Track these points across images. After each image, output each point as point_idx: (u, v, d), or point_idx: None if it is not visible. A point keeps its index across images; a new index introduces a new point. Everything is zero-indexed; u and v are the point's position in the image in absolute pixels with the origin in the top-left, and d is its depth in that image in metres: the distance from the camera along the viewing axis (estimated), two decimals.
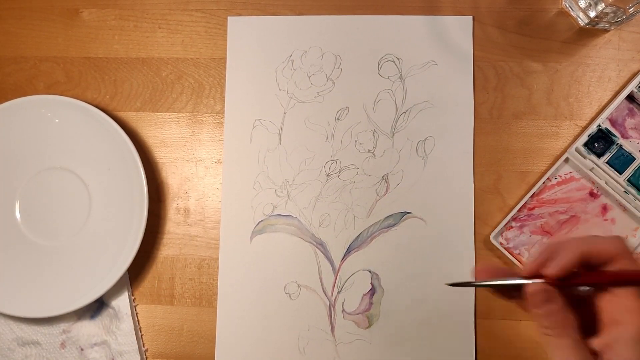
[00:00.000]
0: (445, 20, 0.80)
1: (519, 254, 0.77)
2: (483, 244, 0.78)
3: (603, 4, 0.74)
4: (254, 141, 0.80)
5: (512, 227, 0.77)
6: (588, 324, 0.51)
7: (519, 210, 0.77)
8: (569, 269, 0.49)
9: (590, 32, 0.80)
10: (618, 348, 0.48)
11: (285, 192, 0.79)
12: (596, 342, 0.49)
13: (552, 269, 0.50)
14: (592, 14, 0.76)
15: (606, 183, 0.76)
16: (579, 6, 0.78)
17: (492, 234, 0.77)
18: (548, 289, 0.50)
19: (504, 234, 0.77)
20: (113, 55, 0.83)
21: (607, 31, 0.79)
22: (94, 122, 0.78)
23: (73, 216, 0.81)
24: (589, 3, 0.76)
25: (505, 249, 0.77)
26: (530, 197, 0.77)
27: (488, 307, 0.77)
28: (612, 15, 0.76)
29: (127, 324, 0.79)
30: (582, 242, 0.50)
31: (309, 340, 0.78)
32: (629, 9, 0.73)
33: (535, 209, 0.77)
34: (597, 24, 0.78)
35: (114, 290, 0.79)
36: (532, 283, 0.51)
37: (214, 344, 0.79)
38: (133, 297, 0.80)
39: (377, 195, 0.79)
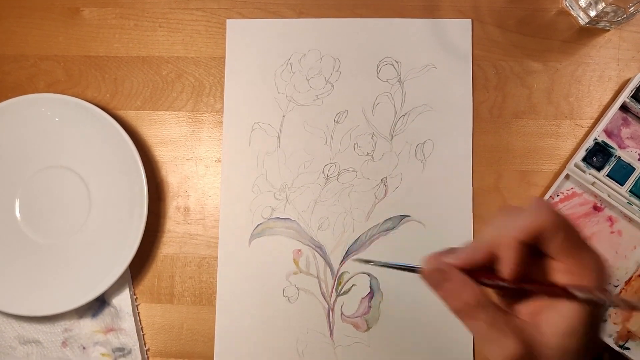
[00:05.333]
0: (444, 23, 0.80)
1: None
2: None
3: (603, 3, 0.74)
4: (253, 144, 0.80)
5: None
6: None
7: None
8: (519, 268, 0.47)
9: (591, 31, 0.80)
10: (557, 307, 0.47)
11: (284, 195, 0.80)
12: (530, 306, 0.48)
13: (506, 274, 0.48)
14: (593, 13, 0.76)
15: (609, 196, 0.76)
16: (579, 5, 0.78)
17: None
18: (442, 268, 0.48)
19: None
20: (113, 53, 0.83)
21: (608, 30, 0.79)
22: (94, 120, 0.78)
23: (73, 215, 0.81)
24: (589, 2, 0.76)
25: None
26: None
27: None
28: (612, 14, 0.75)
29: (129, 323, 0.79)
30: (516, 236, 0.47)
31: (308, 343, 0.78)
32: (629, 8, 0.73)
33: None
34: (598, 23, 0.78)
35: (116, 289, 0.80)
36: (427, 264, 0.49)
37: (214, 342, 0.79)
38: (135, 297, 0.80)
39: (376, 198, 0.79)
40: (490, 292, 0.48)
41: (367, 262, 0.66)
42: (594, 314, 0.47)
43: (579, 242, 0.47)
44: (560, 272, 0.48)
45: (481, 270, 0.48)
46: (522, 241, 0.47)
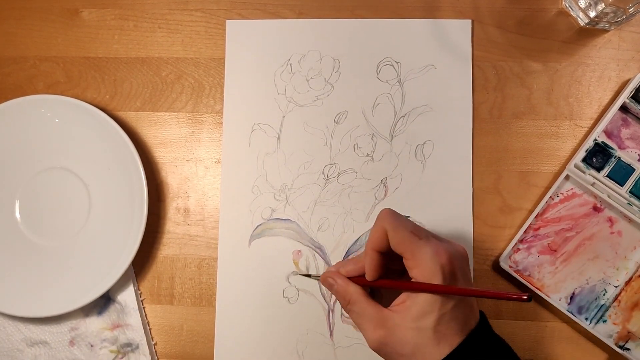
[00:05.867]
0: (445, 23, 0.80)
1: (529, 275, 0.77)
2: (492, 268, 0.78)
3: (603, 4, 0.74)
4: (253, 145, 0.80)
5: (519, 249, 0.77)
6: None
7: (525, 231, 0.76)
8: (377, 271, 0.64)
9: (590, 32, 0.80)
10: (409, 299, 0.60)
11: (284, 195, 0.79)
12: (396, 300, 0.62)
13: (367, 276, 0.65)
14: (592, 13, 0.76)
15: (609, 197, 0.75)
16: (579, 6, 0.78)
17: (501, 258, 0.76)
18: (330, 276, 0.67)
19: (512, 257, 0.77)
20: (113, 55, 0.83)
21: (607, 31, 0.79)
22: (94, 121, 0.78)
23: (73, 216, 0.81)
24: (589, 3, 0.76)
25: (515, 272, 0.76)
26: (535, 217, 0.76)
27: (486, 308, 0.77)
28: (612, 15, 0.75)
29: (135, 318, 0.79)
30: (367, 246, 0.64)
31: (308, 344, 0.78)
32: (629, 8, 0.73)
33: (541, 228, 0.77)
34: (597, 23, 0.78)
35: (119, 286, 0.80)
36: (322, 274, 0.69)
37: (214, 343, 0.79)
38: (140, 292, 0.80)
39: (376, 199, 0.79)
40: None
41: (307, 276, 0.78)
42: (442, 299, 0.59)
43: (411, 239, 0.61)
44: (410, 267, 0.61)
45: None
46: (374, 249, 0.63)
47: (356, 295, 0.64)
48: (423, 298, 0.59)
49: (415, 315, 0.59)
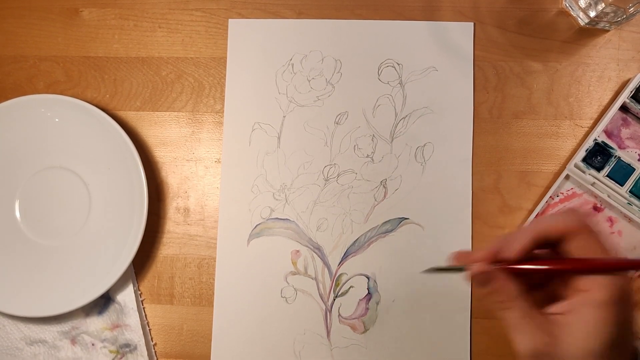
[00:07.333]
0: (446, 26, 0.80)
1: None
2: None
3: (603, 4, 0.74)
4: (253, 144, 0.80)
5: None
6: (551, 296, 0.54)
7: None
8: (525, 251, 0.52)
9: (591, 31, 0.79)
10: (582, 311, 0.50)
11: (283, 195, 0.79)
12: (559, 307, 0.52)
13: (508, 253, 0.52)
14: (592, 13, 0.76)
15: (609, 196, 0.75)
16: (579, 6, 0.78)
17: None
18: (487, 270, 0.53)
19: None
20: (113, 54, 0.83)
21: (607, 31, 0.79)
22: (94, 121, 0.78)
23: (73, 216, 0.81)
24: (589, 3, 0.76)
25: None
26: (535, 217, 0.76)
27: (485, 307, 0.77)
28: (612, 15, 0.75)
29: (134, 318, 0.79)
30: (534, 224, 0.53)
31: (305, 344, 0.78)
32: (629, 8, 0.73)
33: None
34: (597, 23, 0.78)
35: (119, 286, 0.80)
36: (474, 266, 0.54)
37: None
38: (140, 292, 0.80)
39: (375, 200, 0.79)
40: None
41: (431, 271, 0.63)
42: (618, 318, 0.49)
43: (601, 248, 0.51)
44: (580, 282, 0.51)
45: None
46: (541, 233, 0.52)
47: (520, 293, 0.53)
48: (593, 315, 0.49)
49: (586, 333, 0.50)
